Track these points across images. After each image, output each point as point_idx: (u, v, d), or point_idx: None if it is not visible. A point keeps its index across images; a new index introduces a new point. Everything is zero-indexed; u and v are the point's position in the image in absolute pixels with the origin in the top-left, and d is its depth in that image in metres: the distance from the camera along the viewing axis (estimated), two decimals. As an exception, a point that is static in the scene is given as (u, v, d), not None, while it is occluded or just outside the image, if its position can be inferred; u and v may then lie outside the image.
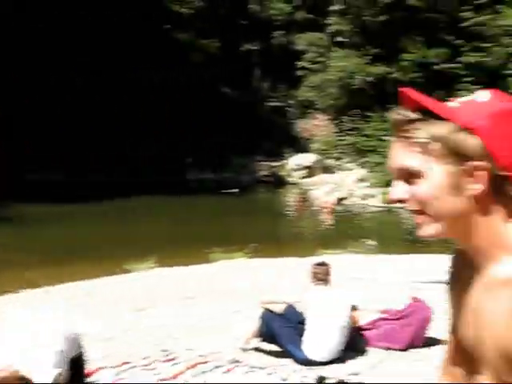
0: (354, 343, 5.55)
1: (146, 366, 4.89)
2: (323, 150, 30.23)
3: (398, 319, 5.89)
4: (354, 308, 6.08)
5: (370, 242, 13.05)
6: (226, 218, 17.03)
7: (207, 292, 7.51)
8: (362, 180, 27.07)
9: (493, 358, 1.09)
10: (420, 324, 5.76)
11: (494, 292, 1.10)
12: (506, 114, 1.12)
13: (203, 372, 4.79)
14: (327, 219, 20.22)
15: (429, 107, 1.12)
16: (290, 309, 5.51)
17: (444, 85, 34.53)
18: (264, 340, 5.33)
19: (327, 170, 29.47)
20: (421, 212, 1.15)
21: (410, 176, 1.14)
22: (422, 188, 1.12)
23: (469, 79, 34.12)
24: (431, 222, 1.14)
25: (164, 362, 5.02)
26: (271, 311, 5.31)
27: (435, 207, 1.12)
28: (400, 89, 1.19)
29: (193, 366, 4.92)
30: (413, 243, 15.52)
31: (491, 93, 1.18)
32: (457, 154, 1.10)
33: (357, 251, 11.88)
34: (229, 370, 4.89)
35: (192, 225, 15.61)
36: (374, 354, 5.46)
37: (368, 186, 26.18)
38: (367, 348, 5.60)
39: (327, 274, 5.37)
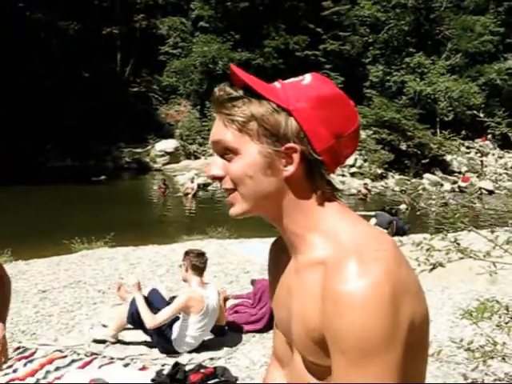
0: (216, 330, 5.73)
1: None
2: (187, 136, 30.24)
3: (253, 304, 6.15)
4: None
5: (232, 227, 13.27)
6: (89, 207, 16.63)
7: (64, 284, 7.40)
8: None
9: (301, 340, 1.13)
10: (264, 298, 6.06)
11: (303, 275, 1.12)
12: (325, 99, 1.12)
13: (58, 368, 4.74)
14: (189, 205, 20.36)
15: (250, 85, 1.11)
16: (154, 293, 5.57)
17: (306, 71, 35.47)
18: (133, 326, 5.31)
19: (191, 155, 29.55)
20: (233, 190, 1.15)
21: (226, 153, 1.13)
22: (235, 165, 1.12)
23: (329, 66, 35.56)
24: (242, 202, 1.15)
25: (18, 359, 4.91)
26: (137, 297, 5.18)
27: (247, 186, 1.12)
28: (231, 65, 1.16)
29: (49, 362, 4.86)
30: (274, 227, 16.12)
31: (314, 76, 1.19)
32: (273, 135, 1.09)
33: (218, 236, 12.08)
34: (86, 364, 4.88)
35: (54, 215, 15.12)
36: (233, 339, 5.62)
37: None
38: (228, 333, 5.76)
39: (205, 264, 5.33)
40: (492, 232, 3.07)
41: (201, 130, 30.31)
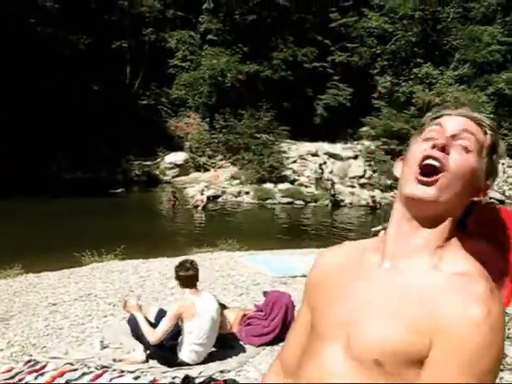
0: (225, 342, 5.73)
1: (9, 379, 4.77)
2: (196, 148, 30.31)
3: (265, 316, 6.14)
4: (224, 307, 6.29)
5: (242, 239, 13.26)
6: (99, 219, 16.70)
7: (75, 297, 7.42)
8: (234, 177, 27.45)
9: (383, 341, 1.16)
10: (284, 311, 6.05)
11: (414, 282, 1.20)
12: None
13: (69, 381, 4.75)
14: (200, 217, 20.39)
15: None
16: (160, 313, 5.59)
17: (314, 83, 35.88)
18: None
19: (200, 167, 29.62)
20: (440, 173, 1.21)
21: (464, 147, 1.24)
22: (462, 159, 1.22)
23: (337, 77, 35.63)
24: (440, 188, 1.20)
25: (29, 373, 4.93)
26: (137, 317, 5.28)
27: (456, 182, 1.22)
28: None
29: (60, 375, 4.87)
30: (285, 239, 16.14)
31: None
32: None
33: (228, 248, 12.09)
34: (97, 377, 4.89)
35: (64, 227, 15.17)
36: (244, 351, 5.62)
37: (240, 184, 26.61)
38: (238, 345, 5.76)
39: (196, 278, 5.34)
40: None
41: (210, 143, 30.39)
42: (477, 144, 1.24)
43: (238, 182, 26.94)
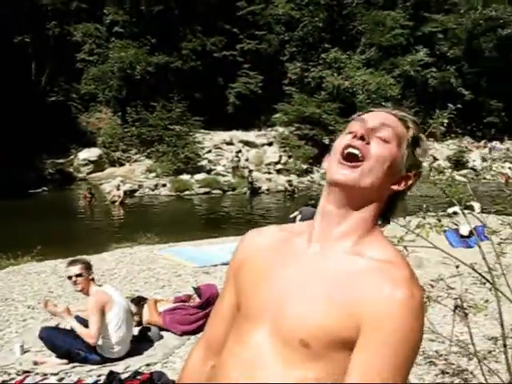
0: (148, 334, 5.73)
1: None
2: (109, 143, 29.79)
3: (196, 307, 6.16)
4: (143, 299, 6.28)
5: (161, 232, 13.21)
6: (12, 221, 16.16)
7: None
8: (150, 171, 27.20)
9: (308, 321, 1.21)
10: (212, 301, 6.08)
11: (348, 264, 1.25)
12: None
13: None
14: (118, 213, 20.12)
15: None
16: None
17: (225, 72, 35.88)
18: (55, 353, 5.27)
19: (115, 162, 29.15)
20: (361, 162, 1.28)
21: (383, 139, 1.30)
22: (380, 148, 1.29)
23: (247, 65, 35.77)
24: (361, 173, 1.27)
25: None
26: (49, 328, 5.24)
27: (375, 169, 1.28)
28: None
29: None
30: (204, 229, 16.16)
31: None
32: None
33: (147, 242, 12.02)
34: (19, 383, 4.78)
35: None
36: (168, 343, 5.65)
37: (156, 176, 26.40)
38: (162, 337, 5.78)
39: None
40: (404, 218, 3.24)
41: (123, 137, 29.94)
42: (396, 136, 1.30)
43: (154, 175, 26.73)
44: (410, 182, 1.34)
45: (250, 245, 1.44)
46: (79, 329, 5.04)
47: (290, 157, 30.66)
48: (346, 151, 1.28)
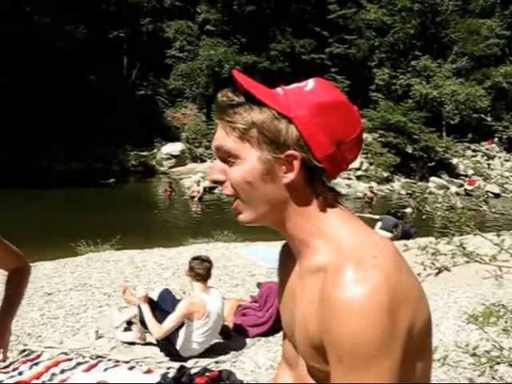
0: (221, 333, 5.72)
1: (3, 368, 4.76)
2: (193, 139, 30.28)
3: (259, 307, 6.15)
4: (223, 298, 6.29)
5: (238, 230, 13.25)
6: (95, 210, 16.69)
7: (70, 287, 7.42)
8: (230, 168, 27.39)
9: (302, 345, 1.14)
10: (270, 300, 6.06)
11: (306, 280, 1.13)
12: (326, 105, 1.11)
13: (63, 370, 4.75)
14: (196, 208, 20.38)
15: (251, 92, 1.11)
16: (165, 295, 5.62)
17: (311, 75, 35.61)
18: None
19: (197, 158, 29.57)
20: (236, 197, 1.15)
21: (228, 158, 1.13)
22: (234, 171, 1.12)
23: (335, 69, 35.57)
24: (246, 208, 1.15)
25: (24, 362, 4.92)
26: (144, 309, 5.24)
27: (246, 192, 1.12)
28: (233, 71, 1.17)
29: (54, 365, 4.86)
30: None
31: (317, 82, 1.16)
32: (273, 142, 1.09)
33: (224, 240, 12.07)
34: (91, 367, 4.89)
35: (60, 217, 15.15)
36: (239, 342, 5.61)
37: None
38: (234, 336, 5.74)
39: (209, 274, 5.26)
40: (498, 236, 3.06)
41: (207, 133, 30.35)
42: (234, 151, 1.13)
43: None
44: (296, 160, 1.10)
45: (280, 257, 1.39)
46: (150, 320, 5.08)
47: (371, 164, 30.24)
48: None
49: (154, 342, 5.26)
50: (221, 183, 1.17)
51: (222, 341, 5.59)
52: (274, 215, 1.15)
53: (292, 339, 1.24)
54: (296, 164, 1.09)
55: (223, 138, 1.14)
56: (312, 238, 1.13)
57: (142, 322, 5.28)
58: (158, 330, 5.01)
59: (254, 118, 1.10)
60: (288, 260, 1.27)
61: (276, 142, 1.09)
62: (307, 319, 1.10)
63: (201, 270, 5.17)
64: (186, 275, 5.32)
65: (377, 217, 13.96)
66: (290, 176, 1.10)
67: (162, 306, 5.41)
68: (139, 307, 5.30)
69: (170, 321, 5.02)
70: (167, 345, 5.16)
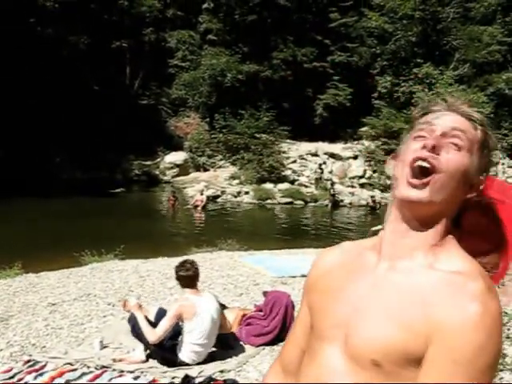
0: (225, 342, 5.72)
1: (8, 379, 4.76)
2: (196, 148, 30.31)
3: (264, 316, 6.13)
4: (224, 307, 6.28)
5: (242, 239, 13.24)
6: (98, 219, 16.70)
7: (74, 297, 7.42)
8: (233, 177, 27.44)
9: (380, 339, 1.16)
10: (284, 311, 6.04)
11: (403, 279, 1.20)
12: None
13: (68, 381, 4.74)
14: (199, 217, 20.38)
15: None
16: (161, 311, 5.61)
17: (314, 83, 35.87)
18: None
19: (200, 167, 29.61)
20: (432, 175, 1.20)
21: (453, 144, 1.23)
22: (455, 158, 1.21)
23: (337, 77, 35.61)
24: (435, 188, 1.20)
25: (29, 372, 4.92)
26: (137, 316, 5.30)
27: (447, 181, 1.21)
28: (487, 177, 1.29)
29: (59, 375, 4.86)
30: (285, 239, 16.12)
31: None
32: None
33: (227, 248, 12.08)
34: (96, 377, 4.88)
35: (63, 227, 15.17)
36: (243, 351, 5.61)
37: (239, 183, 26.61)
38: (238, 345, 5.75)
39: (196, 278, 5.35)
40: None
41: (210, 143, 30.37)
42: (467, 141, 1.22)
43: (237, 181, 26.95)
44: (482, 186, 1.27)
45: (323, 264, 1.42)
46: (144, 326, 5.15)
47: (374, 171, 30.20)
48: (415, 164, 1.21)
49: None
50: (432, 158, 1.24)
51: (226, 350, 5.58)
52: (441, 211, 1.23)
53: (335, 334, 1.25)
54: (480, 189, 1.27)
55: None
56: (440, 247, 1.23)
57: (135, 334, 5.29)
58: (152, 335, 5.07)
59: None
60: (364, 256, 1.32)
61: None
62: (403, 315, 1.15)
63: (183, 272, 5.26)
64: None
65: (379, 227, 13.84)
66: (472, 195, 1.26)
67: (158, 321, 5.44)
68: (131, 319, 5.33)
69: (163, 325, 5.10)
70: (161, 351, 5.19)
